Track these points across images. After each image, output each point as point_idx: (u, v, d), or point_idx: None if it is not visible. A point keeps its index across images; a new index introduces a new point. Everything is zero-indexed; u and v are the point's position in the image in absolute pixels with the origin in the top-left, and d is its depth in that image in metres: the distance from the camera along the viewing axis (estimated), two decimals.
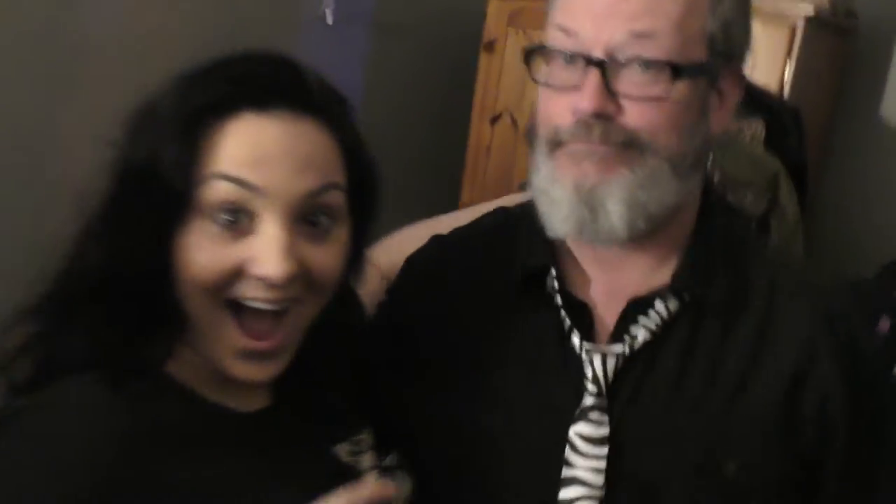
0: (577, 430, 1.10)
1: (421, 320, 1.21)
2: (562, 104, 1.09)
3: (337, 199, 0.99)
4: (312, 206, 0.97)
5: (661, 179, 1.09)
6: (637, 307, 1.14)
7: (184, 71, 0.99)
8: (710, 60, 1.09)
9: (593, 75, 1.06)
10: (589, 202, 1.08)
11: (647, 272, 1.15)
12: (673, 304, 1.13)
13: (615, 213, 1.08)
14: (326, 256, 0.99)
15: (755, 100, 2.21)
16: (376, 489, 0.92)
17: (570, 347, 1.13)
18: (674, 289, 1.14)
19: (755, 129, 2.19)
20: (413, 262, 1.28)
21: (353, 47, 2.68)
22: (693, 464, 1.10)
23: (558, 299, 1.15)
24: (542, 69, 1.13)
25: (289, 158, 0.95)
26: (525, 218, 1.17)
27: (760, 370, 1.12)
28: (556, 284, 1.16)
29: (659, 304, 1.13)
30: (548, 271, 1.16)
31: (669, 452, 1.10)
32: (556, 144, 1.10)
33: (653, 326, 1.13)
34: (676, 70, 1.06)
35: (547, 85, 1.11)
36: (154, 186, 0.93)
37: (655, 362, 1.12)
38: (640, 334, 1.12)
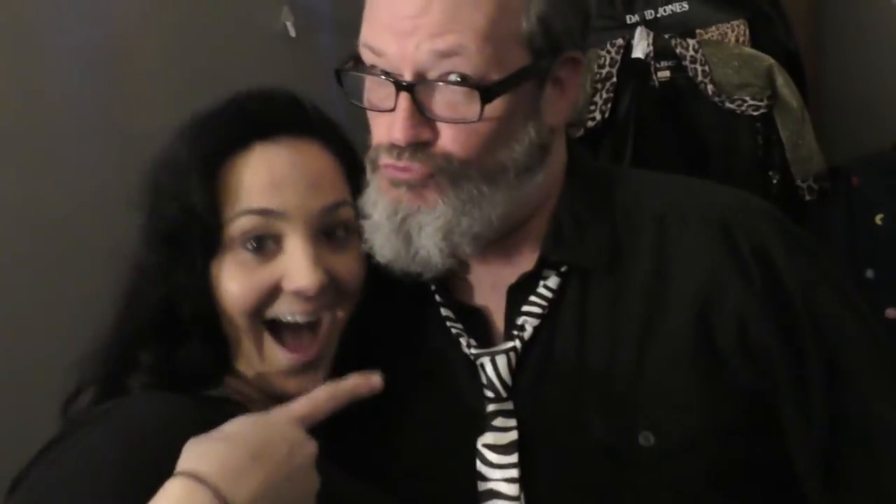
0: (485, 440, 1.05)
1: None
2: (382, 122, 1.03)
3: (349, 213, 1.08)
4: (329, 221, 1.06)
5: (482, 200, 1.03)
6: (518, 296, 1.08)
7: (191, 120, 1.07)
8: (534, 61, 1.02)
9: (403, 100, 0.99)
10: (402, 232, 1.03)
11: (525, 257, 1.09)
12: (553, 282, 1.07)
13: (429, 246, 1.03)
14: (349, 263, 1.07)
15: (733, 1, 2.18)
16: (360, 381, 0.94)
17: (467, 357, 1.08)
18: (546, 263, 1.07)
19: (738, 30, 2.15)
20: None
21: (322, 56, 2.65)
22: (608, 447, 1.02)
23: (443, 311, 1.11)
24: (362, 87, 1.07)
25: (302, 179, 1.05)
26: None
27: (662, 320, 1.05)
28: (438, 297, 1.12)
29: (539, 287, 1.07)
30: (431, 285, 1.11)
31: (581, 441, 1.03)
32: (375, 165, 1.05)
33: (538, 310, 1.07)
34: (488, 90, 0.98)
35: (365, 106, 1.06)
36: (189, 230, 1.03)
37: (553, 347, 1.06)
38: (528, 322, 1.07)
